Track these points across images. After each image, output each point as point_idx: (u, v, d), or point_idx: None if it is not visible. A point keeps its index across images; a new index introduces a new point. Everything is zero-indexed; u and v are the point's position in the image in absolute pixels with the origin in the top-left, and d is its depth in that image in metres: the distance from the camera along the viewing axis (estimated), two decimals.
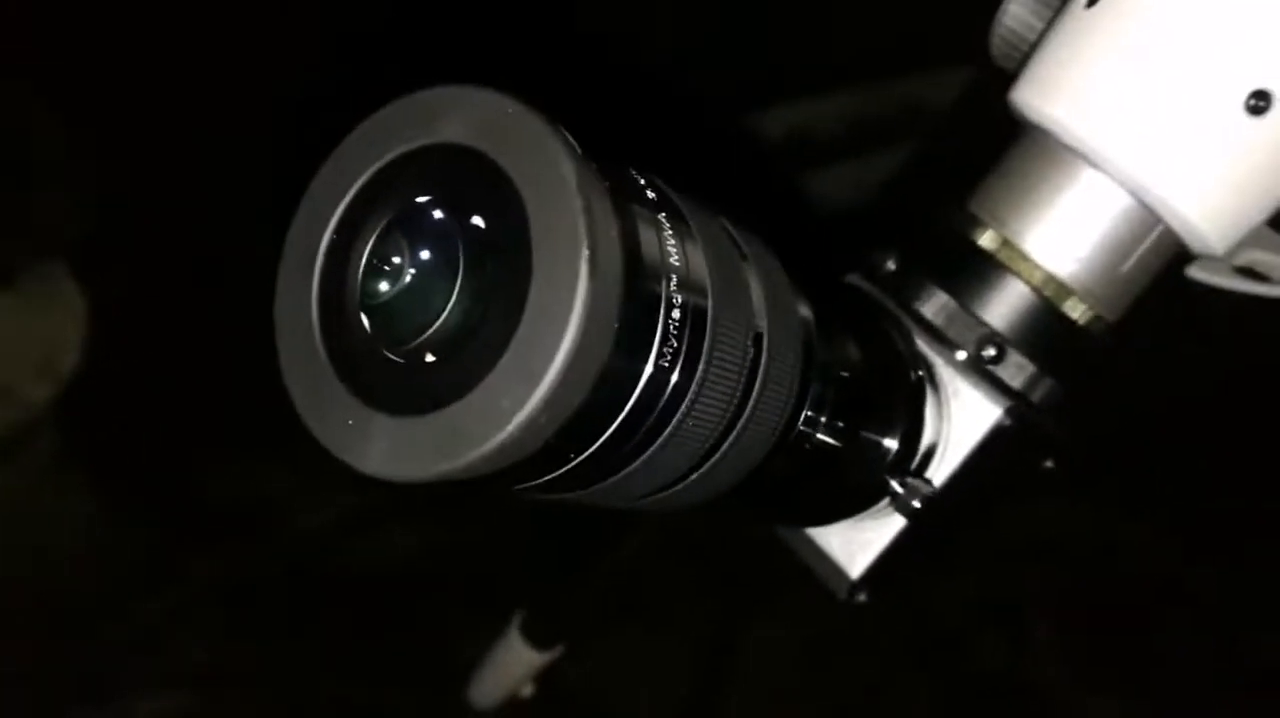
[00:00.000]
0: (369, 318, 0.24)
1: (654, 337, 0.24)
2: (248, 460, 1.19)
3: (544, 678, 0.88)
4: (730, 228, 0.29)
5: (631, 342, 0.23)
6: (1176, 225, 0.39)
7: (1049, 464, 0.44)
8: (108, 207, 1.24)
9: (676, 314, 0.24)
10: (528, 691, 0.88)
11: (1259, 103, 0.37)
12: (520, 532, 1.14)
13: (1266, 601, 1.09)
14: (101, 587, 1.13)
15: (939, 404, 0.39)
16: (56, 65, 1.24)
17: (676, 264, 0.24)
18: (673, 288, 0.24)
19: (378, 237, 0.24)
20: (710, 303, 0.25)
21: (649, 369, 0.24)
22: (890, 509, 0.38)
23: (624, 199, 0.23)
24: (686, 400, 0.25)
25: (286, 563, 1.17)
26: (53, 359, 1.17)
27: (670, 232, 0.25)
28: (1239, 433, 1.13)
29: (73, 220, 1.20)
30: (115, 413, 1.22)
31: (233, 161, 1.13)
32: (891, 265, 0.43)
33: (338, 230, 0.25)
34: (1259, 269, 0.51)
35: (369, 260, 0.24)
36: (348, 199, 0.25)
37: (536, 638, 0.84)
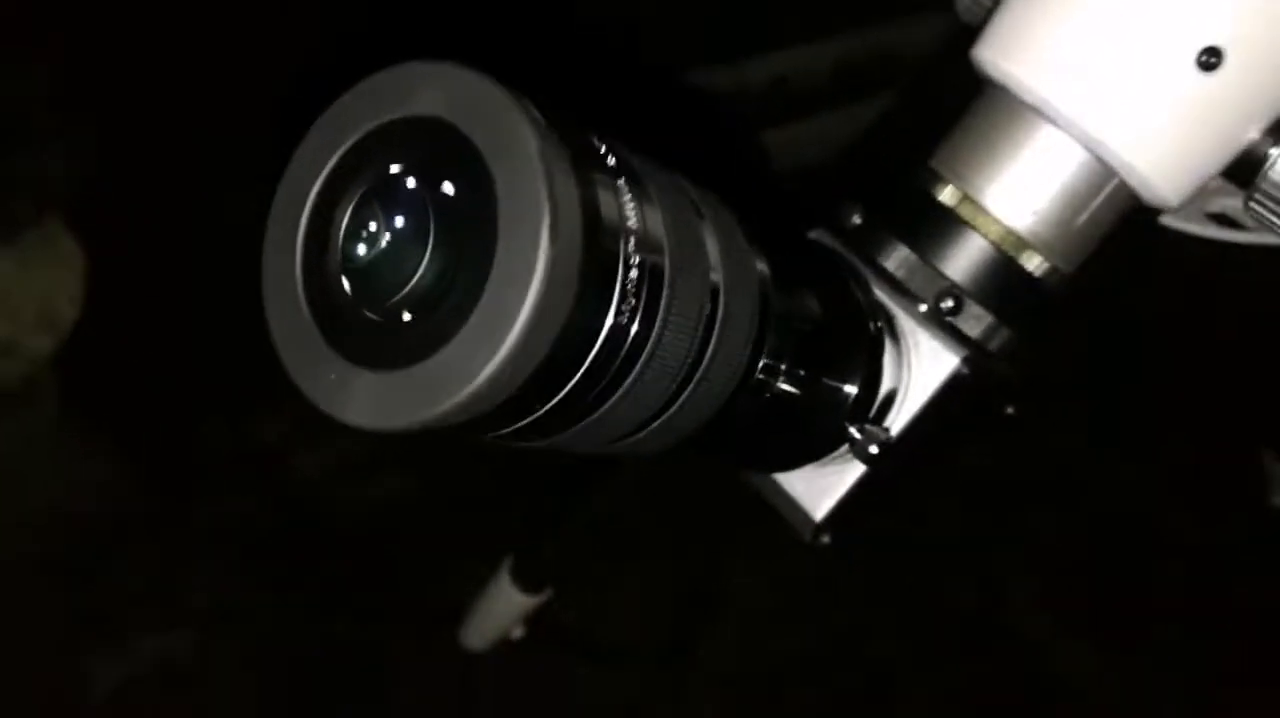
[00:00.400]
0: (349, 280, 0.26)
1: (613, 294, 0.26)
2: (245, 409, 1.21)
3: (534, 620, 0.91)
4: (689, 187, 0.30)
5: (591, 300, 0.25)
6: (1131, 179, 0.41)
7: (1010, 410, 0.46)
8: (105, 162, 1.26)
9: (634, 273, 0.26)
10: (518, 632, 0.91)
11: (1210, 59, 0.38)
12: (510, 479, 1.16)
13: (1242, 546, 1.11)
14: (106, 533, 1.16)
15: (899, 354, 0.41)
16: (52, 23, 1.25)
17: (634, 226, 0.26)
18: (630, 248, 0.26)
19: (356, 205, 0.26)
20: (667, 261, 0.27)
21: (608, 324, 0.26)
22: (851, 455, 0.40)
23: (584, 166, 0.25)
24: (646, 352, 0.27)
25: (284, 508, 1.20)
26: (53, 313, 1.19)
27: (629, 195, 0.26)
28: (1219, 380, 1.14)
29: (71, 176, 1.22)
30: (115, 365, 1.24)
31: (228, 117, 1.14)
32: (856, 220, 0.44)
33: (319, 199, 0.26)
34: (1231, 215, 0.53)
35: (348, 227, 0.26)
36: (328, 169, 0.26)
37: (526, 582, 0.87)
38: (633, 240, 0.26)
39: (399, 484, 1.21)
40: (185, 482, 1.20)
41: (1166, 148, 0.40)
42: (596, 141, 0.27)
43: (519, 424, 0.27)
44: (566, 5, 1.24)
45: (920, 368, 0.41)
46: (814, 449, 0.39)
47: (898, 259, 0.42)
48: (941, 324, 0.41)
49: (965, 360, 0.40)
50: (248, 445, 1.22)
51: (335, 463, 1.22)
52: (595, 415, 0.28)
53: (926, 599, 1.15)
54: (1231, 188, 0.44)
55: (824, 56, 1.50)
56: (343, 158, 0.26)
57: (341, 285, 0.26)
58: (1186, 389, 1.17)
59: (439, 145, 0.25)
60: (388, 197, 0.25)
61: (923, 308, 0.41)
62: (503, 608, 0.88)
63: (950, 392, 0.40)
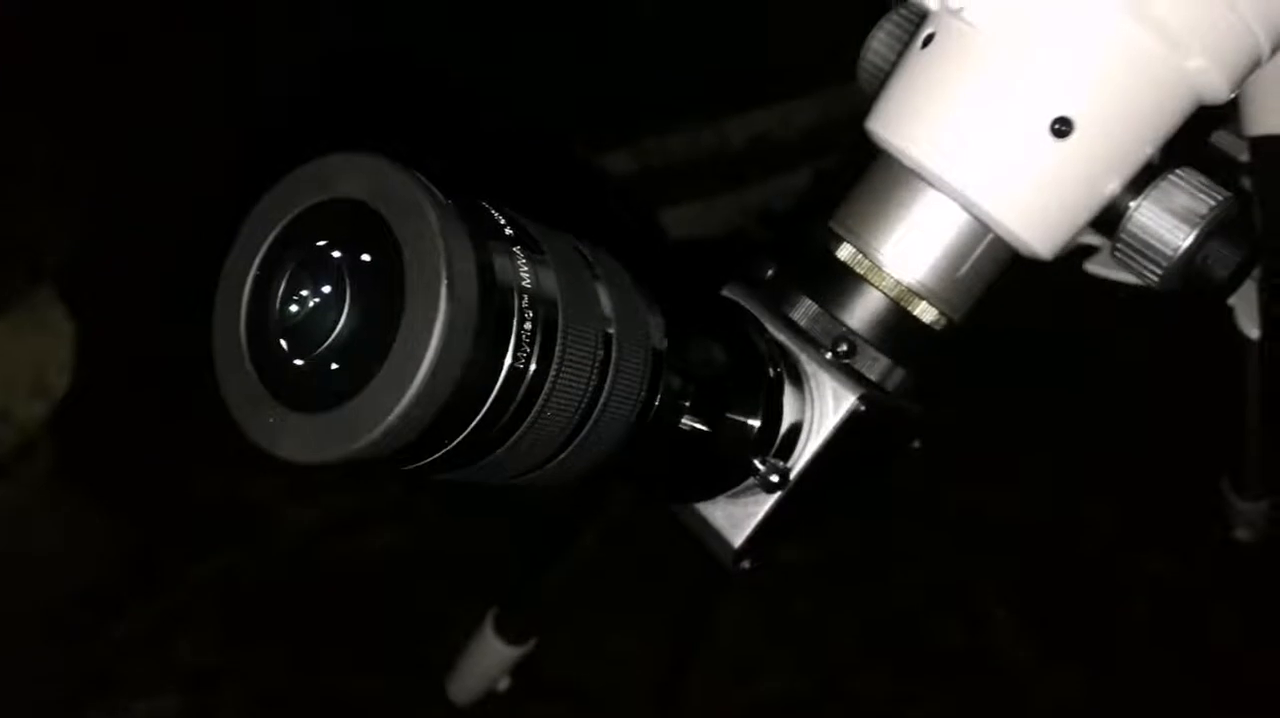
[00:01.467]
0: (284, 337, 0.31)
1: (508, 344, 0.30)
2: (234, 466, 1.24)
3: (520, 671, 0.93)
4: (585, 249, 0.35)
5: (488, 348, 0.30)
6: (1004, 234, 0.46)
7: (916, 444, 0.50)
8: (95, 231, 1.31)
9: (529, 325, 0.31)
10: (504, 684, 0.93)
11: (1062, 127, 0.43)
12: (494, 532, 1.19)
13: (1222, 580, 1.14)
14: (99, 592, 1.19)
15: (803, 394, 0.45)
16: (44, 95, 1.31)
17: (528, 285, 0.31)
18: (524, 304, 0.31)
19: (290, 273, 0.31)
20: (560, 313, 0.32)
21: (505, 369, 0.31)
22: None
23: (481, 236, 0.30)
24: (543, 393, 0.32)
25: (275, 563, 1.22)
26: (45, 380, 1.23)
27: (523, 259, 0.31)
28: (1179, 417, 1.18)
29: (60, 246, 1.27)
30: (107, 429, 1.28)
31: (209, 188, 1.19)
32: (769, 274, 0.49)
33: (260, 268, 0.31)
34: None
35: (284, 291, 0.31)
36: (267, 243, 0.31)
37: (510, 634, 0.90)
38: (526, 297, 0.31)
39: (387, 539, 1.24)
40: (178, 540, 1.23)
41: (1032, 206, 0.45)
42: (495, 214, 0.32)
43: (432, 458, 0.31)
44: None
45: (823, 406, 0.45)
46: (723, 480, 0.43)
47: (801, 310, 0.47)
48: (841, 367, 0.46)
49: (862, 398, 0.45)
50: (239, 503, 1.25)
51: (325, 519, 1.25)
52: (501, 449, 0.32)
53: (913, 636, 1.17)
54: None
55: (803, 114, 1.56)
56: (280, 233, 0.31)
57: (278, 341, 0.31)
58: (1149, 427, 1.20)
59: (358, 222, 0.30)
60: (316, 266, 0.30)
61: (823, 352, 0.46)
62: (488, 661, 0.91)
63: (851, 426, 0.45)
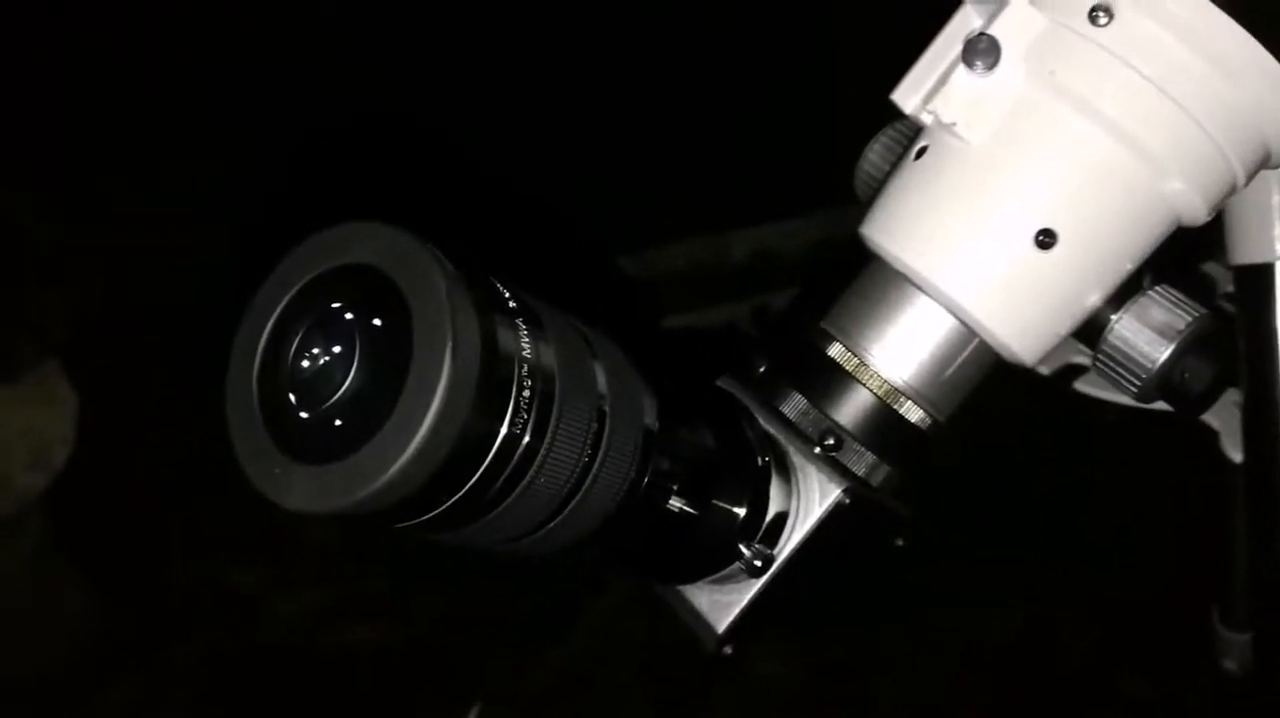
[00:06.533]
0: (294, 393, 0.32)
1: (506, 409, 0.32)
2: (223, 554, 1.24)
3: None
4: (587, 331, 0.37)
5: (488, 412, 0.31)
6: (989, 339, 0.48)
7: (900, 543, 0.52)
8: (104, 307, 1.33)
9: (527, 393, 0.32)
10: None
11: (1046, 239, 0.46)
12: (479, 623, 1.19)
13: (1196, 702, 1.13)
14: (80, 669, 1.18)
15: (790, 485, 0.46)
16: (50, 170, 1.34)
17: (528, 356, 0.33)
18: (524, 373, 0.32)
19: (304, 333, 0.33)
20: (558, 385, 0.33)
21: (503, 433, 0.32)
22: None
23: (486, 307, 0.32)
24: (538, 460, 0.33)
25: (256, 651, 1.21)
26: (46, 452, 1.24)
27: (525, 332, 0.33)
28: (1170, 544, 1.18)
29: (70, 320, 1.29)
30: (100, 504, 1.28)
31: (216, 266, 1.22)
32: (761, 369, 0.51)
33: (274, 328, 0.33)
34: None
35: (296, 349, 0.33)
36: (282, 304, 0.33)
37: None
38: (526, 367, 0.32)
39: (373, 631, 1.23)
40: (162, 621, 1.23)
41: (1016, 313, 0.47)
42: (502, 288, 0.34)
43: (428, 515, 0.32)
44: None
45: (809, 497, 0.47)
46: (708, 564, 0.44)
47: (791, 404, 0.49)
48: (827, 460, 0.47)
49: (847, 491, 0.46)
50: (224, 589, 1.25)
51: (309, 610, 1.25)
52: (495, 512, 0.33)
53: None
54: None
55: (804, 233, 1.59)
56: (295, 295, 0.33)
57: (289, 397, 0.32)
58: (1136, 553, 1.21)
59: (370, 287, 0.31)
60: (329, 325, 0.32)
61: (810, 445, 0.47)
62: None
63: (835, 518, 0.46)
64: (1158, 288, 0.48)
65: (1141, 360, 0.47)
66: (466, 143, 1.42)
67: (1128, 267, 0.47)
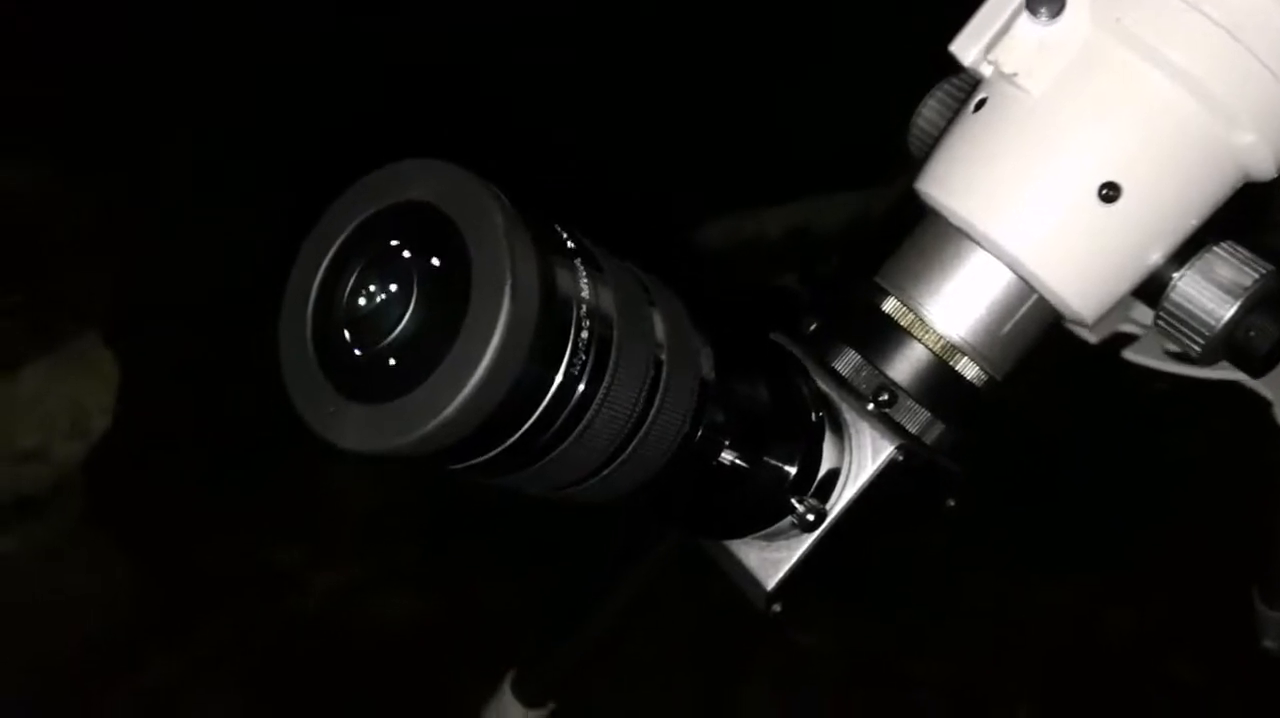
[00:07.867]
0: (349, 331, 0.32)
1: (564, 352, 0.31)
2: (259, 532, 1.25)
3: None
4: (645, 278, 0.36)
5: (545, 355, 0.31)
6: (1048, 295, 0.47)
7: (951, 503, 0.51)
8: (147, 282, 1.34)
9: (585, 335, 0.32)
10: None
11: (1109, 192, 0.44)
12: (512, 595, 1.19)
13: (1247, 687, 1.12)
14: (110, 646, 1.18)
15: (842, 441, 0.46)
16: (82, 147, 1.35)
17: (586, 298, 0.32)
18: (582, 314, 0.32)
19: (360, 270, 0.32)
20: (615, 330, 0.33)
21: (560, 377, 0.31)
22: (799, 530, 0.45)
23: (545, 247, 0.31)
24: (593, 406, 0.32)
25: (294, 625, 1.22)
26: (85, 421, 1.25)
27: (584, 273, 0.32)
28: (1210, 522, 1.17)
29: (115, 295, 1.29)
30: (139, 478, 1.29)
31: (254, 235, 1.22)
32: (813, 326, 0.50)
33: (330, 265, 0.33)
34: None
35: (352, 287, 0.32)
36: (339, 241, 0.33)
37: (528, 697, 0.89)
38: (584, 308, 0.32)
39: (406, 605, 1.23)
40: (200, 595, 1.24)
41: (1077, 269, 0.46)
42: (560, 230, 0.33)
43: (480, 459, 0.32)
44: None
45: (861, 454, 0.46)
46: (759, 517, 0.44)
47: (845, 360, 0.48)
48: (881, 417, 0.46)
49: (900, 448, 0.45)
50: (262, 563, 1.26)
51: (344, 585, 1.25)
52: (548, 458, 0.33)
53: None
54: None
55: (843, 209, 1.58)
56: (352, 232, 0.32)
57: (343, 335, 0.32)
58: (1178, 532, 1.19)
59: (428, 225, 0.31)
60: (385, 263, 0.31)
61: (864, 402, 0.46)
62: None
63: (888, 476, 0.45)
64: (1224, 243, 0.46)
65: (1205, 318, 0.46)
66: (513, 121, 1.42)
67: (1193, 222, 0.46)
